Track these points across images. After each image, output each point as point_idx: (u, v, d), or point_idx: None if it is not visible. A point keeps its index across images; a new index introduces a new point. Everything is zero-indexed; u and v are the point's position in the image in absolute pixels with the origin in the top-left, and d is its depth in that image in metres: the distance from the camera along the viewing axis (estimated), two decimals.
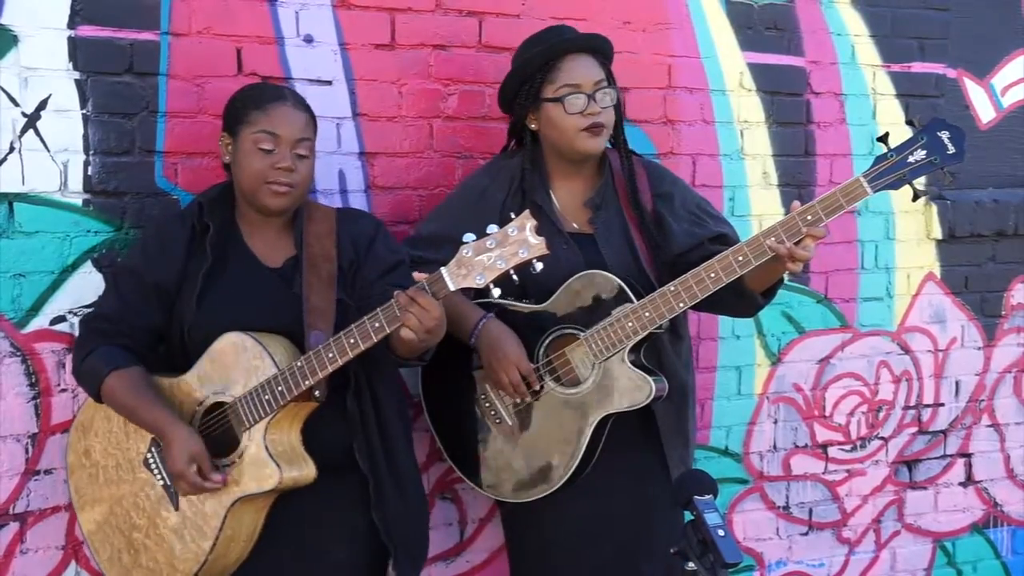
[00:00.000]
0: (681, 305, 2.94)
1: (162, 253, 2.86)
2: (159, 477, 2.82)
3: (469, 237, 2.54)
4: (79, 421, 2.96)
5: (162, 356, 2.93)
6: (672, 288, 2.94)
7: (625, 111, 3.24)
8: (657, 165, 3.34)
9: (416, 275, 2.61)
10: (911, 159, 2.87)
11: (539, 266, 2.53)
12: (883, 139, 2.92)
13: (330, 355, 2.68)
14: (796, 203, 2.93)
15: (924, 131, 2.89)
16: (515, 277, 2.54)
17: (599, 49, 3.13)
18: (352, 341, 2.66)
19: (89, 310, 2.99)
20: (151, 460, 2.83)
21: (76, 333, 2.97)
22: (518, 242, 2.50)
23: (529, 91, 3.09)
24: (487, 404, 3.11)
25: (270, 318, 2.81)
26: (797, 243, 2.86)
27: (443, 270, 2.56)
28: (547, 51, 3.09)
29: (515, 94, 3.13)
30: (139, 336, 2.87)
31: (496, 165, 3.23)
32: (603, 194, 3.15)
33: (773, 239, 2.86)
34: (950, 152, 2.87)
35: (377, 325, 2.64)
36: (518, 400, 3.04)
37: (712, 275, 2.91)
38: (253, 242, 2.91)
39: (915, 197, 2.93)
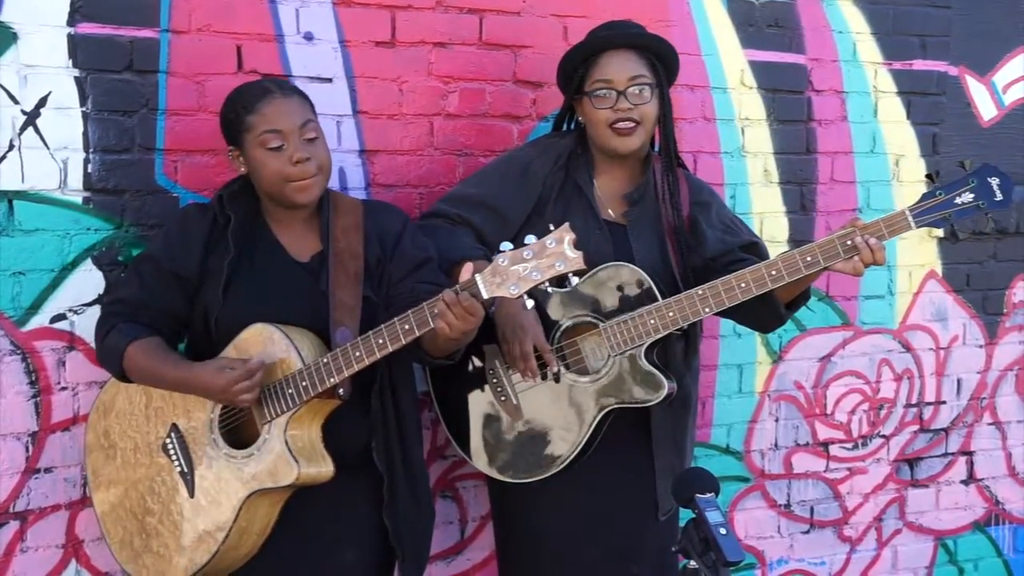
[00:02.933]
0: (707, 310, 2.94)
1: (183, 244, 2.86)
2: (176, 463, 2.82)
3: (506, 246, 2.52)
4: (100, 401, 2.96)
5: (185, 346, 2.94)
6: (700, 292, 2.94)
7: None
8: (697, 178, 3.37)
9: (464, 268, 2.58)
10: (958, 200, 2.90)
11: (575, 280, 2.52)
12: (932, 176, 2.97)
13: (357, 354, 2.67)
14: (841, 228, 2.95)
15: (975, 175, 2.92)
16: (549, 289, 2.53)
17: (645, 46, 3.13)
18: (380, 342, 2.65)
19: (108, 296, 3.01)
20: (169, 445, 2.83)
21: (96, 320, 2.95)
22: (555, 254, 2.49)
23: (572, 82, 3.14)
24: (494, 380, 3.10)
25: (297, 312, 2.81)
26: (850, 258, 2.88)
27: (478, 276, 2.54)
28: (588, 45, 3.13)
29: (564, 85, 3.19)
30: (160, 320, 2.87)
31: (545, 142, 3.24)
32: (642, 191, 3.16)
33: (859, 238, 2.85)
34: (997, 199, 2.91)
35: (407, 327, 2.63)
36: (529, 375, 3.02)
37: (743, 285, 2.92)
38: (280, 234, 2.91)
39: (956, 239, 2.98)
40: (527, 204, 3.11)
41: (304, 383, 2.69)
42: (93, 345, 2.97)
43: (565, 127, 3.27)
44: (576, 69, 3.13)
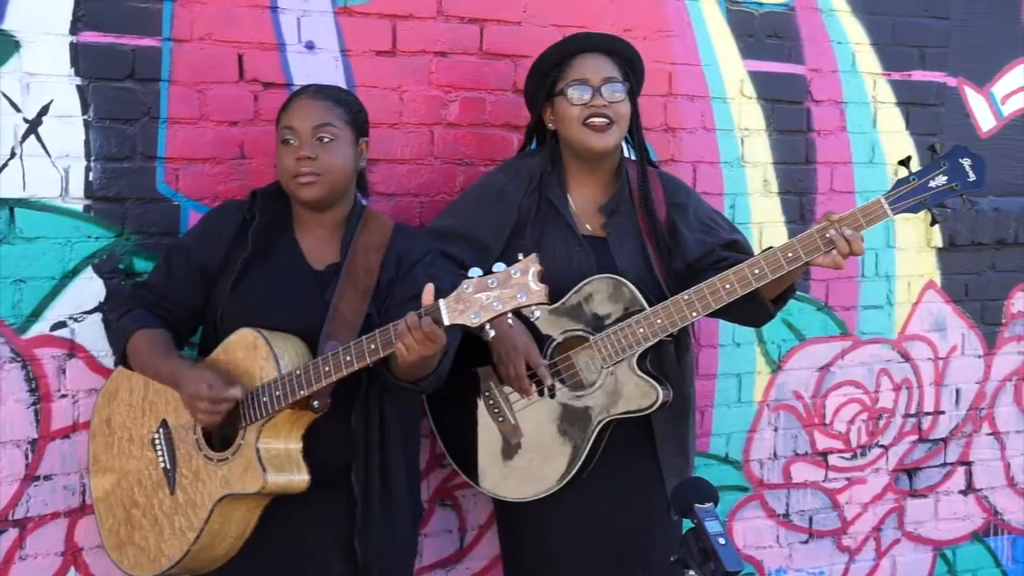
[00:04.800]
0: (694, 314, 2.96)
1: (215, 236, 2.90)
2: (161, 459, 2.84)
3: (475, 272, 2.52)
4: (107, 389, 2.99)
5: (198, 339, 2.96)
6: (686, 297, 2.96)
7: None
8: (672, 177, 3.37)
9: (426, 290, 2.58)
10: (932, 184, 2.90)
11: (537, 313, 2.51)
12: (904, 163, 2.96)
13: (326, 369, 2.68)
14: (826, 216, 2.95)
15: (946, 157, 2.92)
16: (511, 320, 2.52)
17: (616, 50, 3.16)
18: (348, 359, 2.66)
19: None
20: (157, 441, 2.85)
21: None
22: (519, 285, 2.48)
23: (543, 86, 3.15)
24: (491, 401, 3.11)
25: (298, 318, 2.82)
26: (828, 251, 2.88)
27: (441, 302, 2.54)
28: (562, 48, 3.16)
29: (535, 91, 3.19)
30: (178, 313, 2.90)
31: (516, 164, 3.25)
32: (618, 201, 3.17)
33: (833, 230, 2.86)
34: (971, 179, 2.91)
35: (373, 347, 2.64)
36: (524, 394, 3.03)
37: (727, 286, 2.93)
38: (303, 239, 2.93)
39: (933, 222, 2.97)
40: (504, 230, 3.12)
41: (277, 393, 2.71)
42: (96, 348, 3.00)
43: (535, 141, 3.27)
44: (548, 73, 3.14)
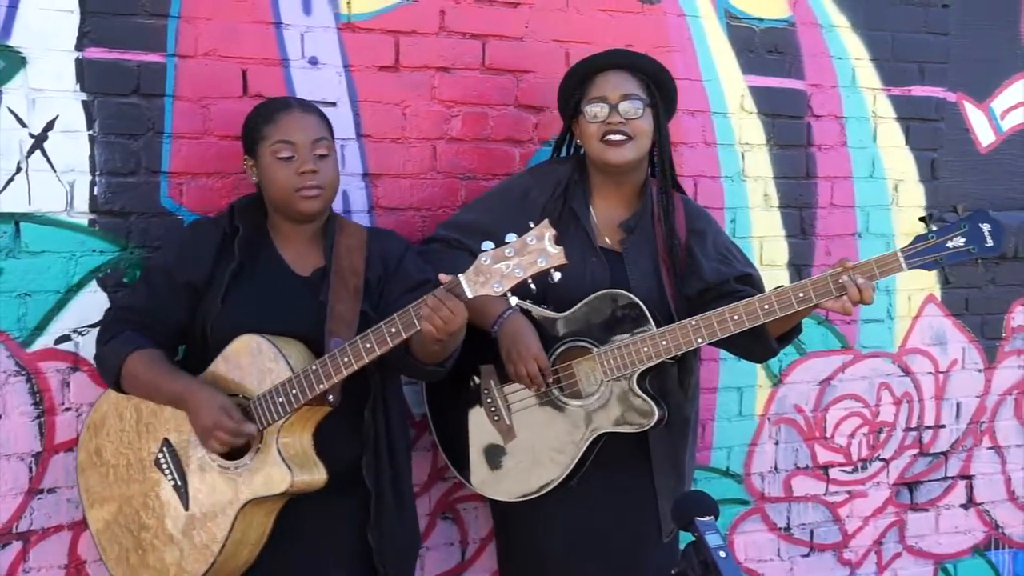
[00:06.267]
0: (699, 340, 2.98)
1: (195, 253, 2.90)
2: (170, 477, 2.84)
3: (488, 245, 2.56)
4: (91, 420, 2.98)
5: (181, 356, 2.96)
6: (693, 323, 2.98)
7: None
8: (695, 204, 3.40)
9: (441, 277, 2.63)
10: (949, 244, 2.96)
11: (557, 276, 2.55)
12: (925, 219, 3.00)
13: (345, 359, 2.70)
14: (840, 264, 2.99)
15: (967, 220, 2.98)
16: (532, 285, 2.56)
17: (638, 66, 3.18)
18: (368, 346, 2.68)
19: (117, 301, 3.02)
20: (162, 460, 2.85)
21: (103, 320, 2.98)
22: (537, 251, 2.53)
23: (569, 104, 3.19)
24: (489, 400, 3.12)
25: (293, 323, 2.84)
26: (839, 297, 2.92)
27: (461, 277, 2.58)
28: (585, 66, 3.19)
29: (562, 108, 3.24)
30: (163, 331, 2.90)
31: (544, 168, 3.28)
32: (639, 219, 3.19)
33: (847, 277, 2.90)
34: (988, 245, 2.96)
35: (394, 330, 2.66)
36: (533, 392, 3.05)
37: (735, 317, 2.96)
38: (284, 250, 2.95)
39: (947, 282, 3.00)
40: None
41: (294, 391, 2.72)
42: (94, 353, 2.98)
43: (564, 152, 3.31)
44: (574, 91, 3.18)
